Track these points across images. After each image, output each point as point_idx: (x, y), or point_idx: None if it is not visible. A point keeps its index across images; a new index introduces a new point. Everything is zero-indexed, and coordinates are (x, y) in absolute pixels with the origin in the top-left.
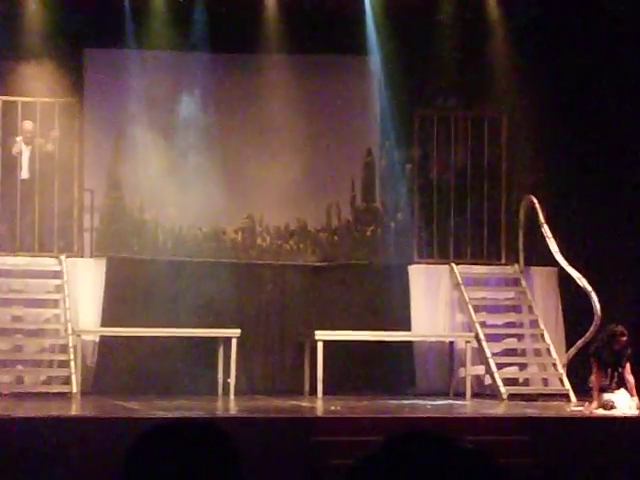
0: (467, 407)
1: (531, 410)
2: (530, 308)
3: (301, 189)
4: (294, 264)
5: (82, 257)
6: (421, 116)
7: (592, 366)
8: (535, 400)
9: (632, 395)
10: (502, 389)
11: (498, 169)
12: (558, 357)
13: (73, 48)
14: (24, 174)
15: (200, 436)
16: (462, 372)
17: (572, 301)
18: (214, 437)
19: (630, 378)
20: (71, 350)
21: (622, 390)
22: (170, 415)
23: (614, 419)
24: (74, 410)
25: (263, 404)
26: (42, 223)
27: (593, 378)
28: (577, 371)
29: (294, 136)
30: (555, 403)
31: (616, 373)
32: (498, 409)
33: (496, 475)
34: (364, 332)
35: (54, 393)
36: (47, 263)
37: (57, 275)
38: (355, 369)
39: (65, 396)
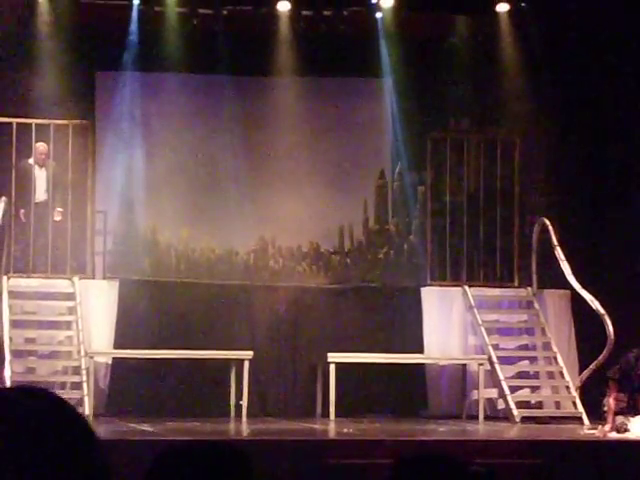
0: (480, 430)
1: (544, 433)
2: (543, 330)
3: (314, 211)
4: (307, 286)
5: (95, 279)
6: (434, 138)
7: (610, 388)
8: (548, 423)
9: None
10: (515, 412)
11: (511, 191)
12: (571, 380)
13: (86, 71)
14: (40, 197)
15: (216, 458)
16: (475, 395)
17: (585, 324)
18: (230, 459)
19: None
20: (84, 372)
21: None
22: (184, 437)
23: (628, 442)
24: None
25: (275, 426)
26: (55, 245)
27: (610, 400)
28: (590, 394)
29: (307, 158)
30: (568, 426)
31: (633, 398)
32: (511, 432)
33: None
34: (376, 354)
35: None
36: (60, 285)
37: (70, 297)
38: (367, 391)
39: None
